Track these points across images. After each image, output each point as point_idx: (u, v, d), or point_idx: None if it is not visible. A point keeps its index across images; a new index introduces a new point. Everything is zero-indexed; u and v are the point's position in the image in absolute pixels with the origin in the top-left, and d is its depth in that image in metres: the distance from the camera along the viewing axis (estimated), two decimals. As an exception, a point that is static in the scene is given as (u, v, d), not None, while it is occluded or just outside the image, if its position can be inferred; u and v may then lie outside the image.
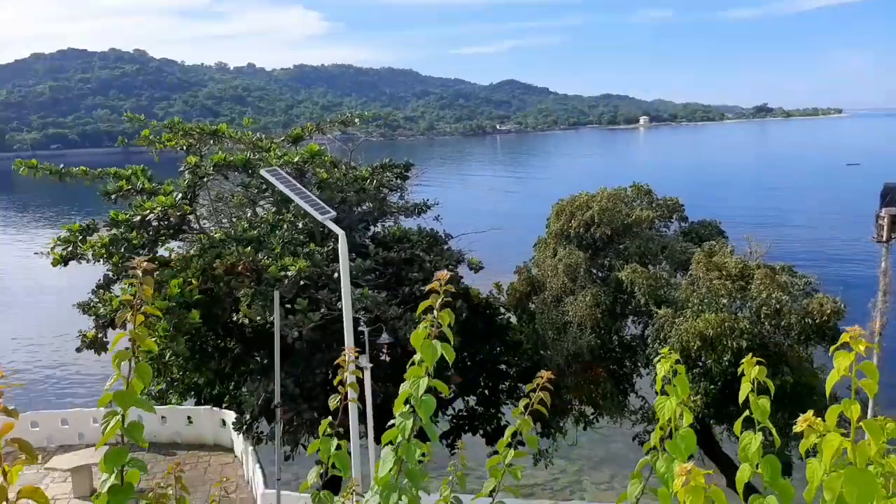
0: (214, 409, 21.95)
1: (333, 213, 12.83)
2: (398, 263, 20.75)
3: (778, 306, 17.52)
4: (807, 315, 17.54)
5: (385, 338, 16.91)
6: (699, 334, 16.97)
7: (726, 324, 16.93)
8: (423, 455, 3.75)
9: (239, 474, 19.78)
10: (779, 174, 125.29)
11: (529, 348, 21.78)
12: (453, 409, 21.38)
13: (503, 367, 23.05)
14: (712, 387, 17.31)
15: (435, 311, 3.74)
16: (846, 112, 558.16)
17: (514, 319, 23.23)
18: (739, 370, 3.09)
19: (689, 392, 3.24)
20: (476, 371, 21.96)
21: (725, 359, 16.81)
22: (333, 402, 4.16)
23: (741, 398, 3.17)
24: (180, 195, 20.68)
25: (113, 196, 20.60)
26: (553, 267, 21.11)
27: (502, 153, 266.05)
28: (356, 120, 26.35)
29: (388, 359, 18.68)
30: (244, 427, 18.40)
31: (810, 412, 2.90)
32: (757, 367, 3.09)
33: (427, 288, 3.35)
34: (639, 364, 20.82)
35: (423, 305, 3.38)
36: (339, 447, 3.99)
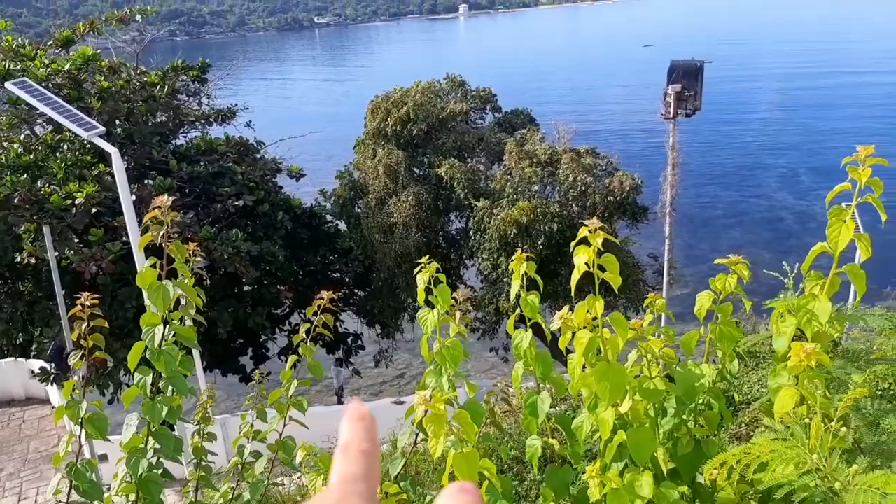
0: (20, 359, 19.73)
1: (101, 129, 11.20)
2: (206, 178, 19.22)
3: (583, 188, 18.59)
4: (609, 193, 18.80)
5: (199, 262, 15.80)
6: (514, 222, 17.69)
7: (538, 209, 17.76)
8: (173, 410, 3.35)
9: (61, 426, 18.22)
10: (585, 58, 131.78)
11: (360, 254, 21.63)
12: (290, 323, 20.98)
13: (337, 275, 22.79)
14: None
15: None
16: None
17: (342, 226, 22.81)
18: (512, 265, 2.97)
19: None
20: (308, 283, 21.52)
21: (540, 242, 17.75)
22: (76, 361, 3.59)
23: (511, 296, 3.07)
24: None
25: None
26: (374, 168, 20.71)
27: (322, 48, 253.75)
28: (137, 16, 23.22)
29: (207, 282, 17.68)
30: (50, 378, 16.74)
31: (565, 308, 2.83)
32: (526, 262, 2.98)
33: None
34: (464, 256, 21.48)
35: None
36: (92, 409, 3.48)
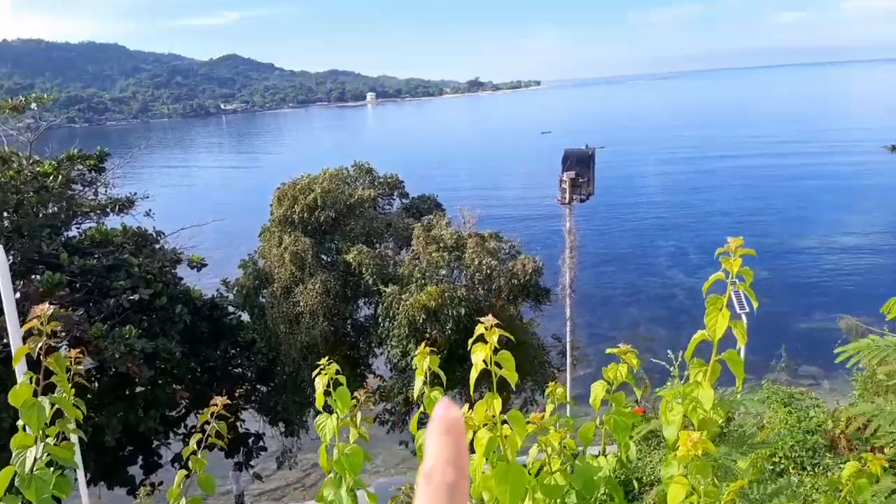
0: None
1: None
2: (100, 271, 18.22)
3: (489, 271, 19.06)
4: (513, 276, 19.35)
5: (88, 362, 14.75)
6: (423, 307, 17.76)
7: (446, 294, 17.96)
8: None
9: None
10: (488, 144, 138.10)
11: (263, 346, 20.87)
12: (185, 426, 19.64)
13: (239, 369, 21.77)
14: (439, 356, 18.26)
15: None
16: (544, 84, 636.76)
17: (246, 317, 22.04)
18: (416, 360, 2.93)
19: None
20: (207, 380, 20.42)
21: (448, 327, 17.85)
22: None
23: (415, 393, 3.05)
24: None
25: None
26: (279, 256, 20.40)
27: (229, 135, 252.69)
28: (33, 104, 22.38)
29: (95, 385, 16.47)
30: None
31: (465, 406, 2.82)
32: (429, 357, 2.98)
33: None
34: (373, 344, 21.21)
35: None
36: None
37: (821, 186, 69.49)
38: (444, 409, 0.67)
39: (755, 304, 2.62)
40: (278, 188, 22.13)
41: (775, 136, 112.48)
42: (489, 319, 2.51)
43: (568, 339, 20.85)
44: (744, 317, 20.06)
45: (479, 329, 2.48)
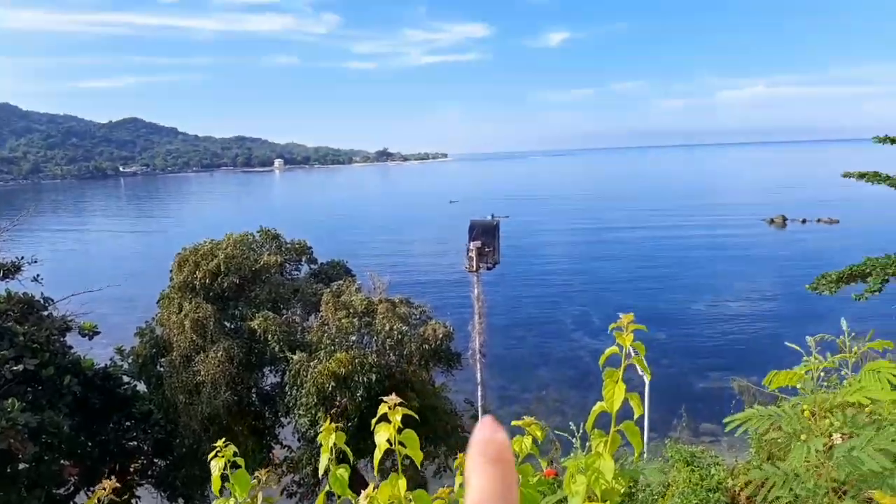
0: None
1: None
2: (-22, 341, 16.82)
3: (400, 336, 19.04)
4: (424, 341, 19.43)
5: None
6: (332, 374, 17.43)
7: (356, 360, 17.74)
8: None
9: None
10: (398, 212, 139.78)
11: (161, 418, 19.74)
12: (74, 504, 18.07)
13: (134, 443, 20.38)
14: (350, 424, 17.90)
15: None
16: (450, 156, 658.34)
17: (142, 387, 20.83)
18: (320, 437, 2.82)
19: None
20: (99, 454, 18.98)
21: (359, 394, 17.56)
22: None
23: (320, 470, 2.96)
24: None
25: None
26: (179, 323, 19.58)
27: (128, 198, 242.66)
28: None
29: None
30: None
31: (371, 486, 2.76)
32: (335, 433, 2.94)
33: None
34: (280, 414, 20.49)
35: None
36: None
37: (710, 256, 74.61)
38: (489, 432, 0.56)
39: (648, 377, 2.76)
40: (179, 253, 21.46)
41: (666, 210, 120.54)
42: (392, 399, 2.53)
43: (479, 404, 20.97)
44: (646, 380, 20.96)
45: (383, 408, 2.49)
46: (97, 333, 20.89)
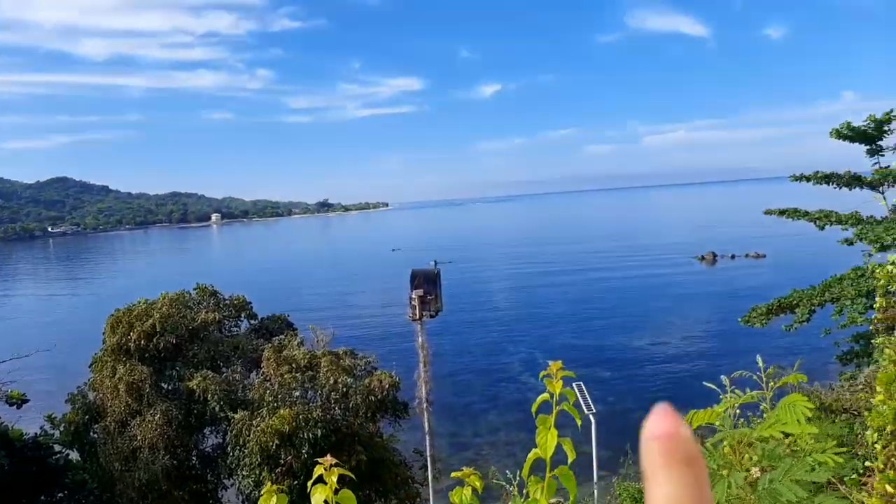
0: None
1: None
2: None
3: (345, 389, 18.80)
4: (370, 393, 19.21)
5: None
6: (276, 432, 17.00)
7: (301, 416, 17.36)
8: None
9: None
10: (340, 263, 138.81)
11: (96, 487, 18.79)
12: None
13: (64, 516, 19.27)
14: (296, 482, 17.40)
15: None
16: (391, 205, 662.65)
17: (75, 455, 19.85)
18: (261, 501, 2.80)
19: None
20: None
21: (304, 451, 17.14)
22: None
23: None
24: None
25: None
26: (113, 388, 18.84)
27: (57, 259, 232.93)
28: None
29: None
30: None
31: None
32: (276, 496, 2.89)
33: None
34: (222, 476, 19.76)
35: None
36: None
37: (648, 294, 76.81)
38: (671, 425, 0.48)
39: (579, 423, 2.86)
40: (112, 315, 20.82)
41: (603, 252, 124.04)
42: (328, 459, 2.48)
43: (428, 453, 20.76)
44: (591, 417, 21.20)
45: (318, 470, 2.43)
46: (26, 402, 20.06)
